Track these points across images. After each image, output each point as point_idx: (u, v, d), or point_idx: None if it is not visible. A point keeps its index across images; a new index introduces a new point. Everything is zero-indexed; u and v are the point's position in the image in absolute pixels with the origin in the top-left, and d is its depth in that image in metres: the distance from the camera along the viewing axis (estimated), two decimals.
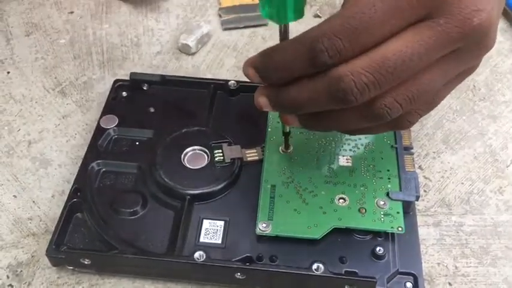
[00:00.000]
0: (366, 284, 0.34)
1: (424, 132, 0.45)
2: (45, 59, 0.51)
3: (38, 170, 0.43)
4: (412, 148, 0.40)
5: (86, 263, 0.35)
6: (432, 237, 0.39)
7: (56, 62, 0.50)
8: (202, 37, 0.51)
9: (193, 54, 0.51)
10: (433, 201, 0.41)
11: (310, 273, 0.34)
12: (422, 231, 0.38)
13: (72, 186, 0.38)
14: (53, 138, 0.45)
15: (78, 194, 0.38)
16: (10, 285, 0.36)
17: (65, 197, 0.38)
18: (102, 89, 0.48)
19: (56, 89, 0.48)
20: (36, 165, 0.43)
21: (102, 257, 0.35)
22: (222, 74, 0.49)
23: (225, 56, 0.51)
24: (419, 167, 0.42)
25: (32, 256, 0.38)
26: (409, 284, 0.35)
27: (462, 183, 0.42)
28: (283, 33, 0.32)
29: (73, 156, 0.43)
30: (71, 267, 0.36)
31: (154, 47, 0.52)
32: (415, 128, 0.44)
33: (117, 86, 0.45)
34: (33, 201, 0.41)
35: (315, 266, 0.34)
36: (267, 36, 0.53)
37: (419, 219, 0.39)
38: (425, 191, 0.41)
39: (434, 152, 0.44)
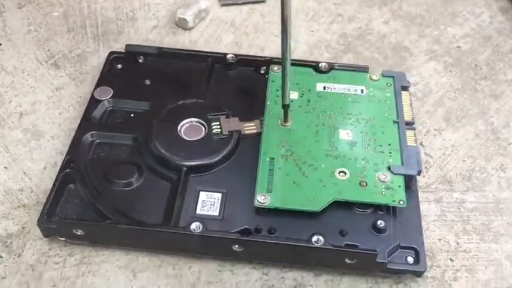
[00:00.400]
0: (366, 257, 0.33)
1: (424, 110, 0.44)
2: (38, 32, 0.49)
3: (29, 141, 0.41)
4: (413, 123, 0.39)
5: (78, 233, 0.34)
6: (433, 213, 0.38)
7: (49, 35, 0.49)
8: (199, 12, 0.50)
9: (190, 29, 0.50)
10: (434, 177, 0.40)
11: (309, 245, 0.33)
12: (423, 207, 0.37)
13: (65, 157, 0.37)
14: (46, 110, 0.43)
15: (71, 164, 0.37)
16: (0, 256, 0.35)
17: (57, 169, 0.37)
18: (97, 62, 0.47)
19: (48, 62, 0.47)
20: (27, 136, 0.42)
21: (95, 227, 0.34)
22: (219, 50, 0.48)
23: (223, 31, 0.50)
24: (421, 144, 0.42)
25: (23, 227, 0.37)
26: (410, 258, 0.34)
27: (464, 160, 0.41)
28: (284, 8, 0.31)
29: (66, 129, 0.42)
30: (63, 239, 0.35)
31: (150, 22, 0.51)
32: (415, 105, 0.44)
33: (112, 58, 0.44)
34: (24, 173, 0.39)
35: (314, 239, 0.33)
36: (266, 12, 0.52)
37: (420, 196, 0.38)
38: (426, 167, 0.40)
39: (435, 129, 0.43)
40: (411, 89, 0.43)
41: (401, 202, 0.35)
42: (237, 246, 0.33)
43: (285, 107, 0.38)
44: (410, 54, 0.48)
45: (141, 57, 0.44)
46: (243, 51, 0.48)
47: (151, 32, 0.50)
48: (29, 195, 0.38)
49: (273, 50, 0.49)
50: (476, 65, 0.48)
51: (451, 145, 0.42)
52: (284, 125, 0.39)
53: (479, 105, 0.45)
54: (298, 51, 0.49)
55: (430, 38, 0.50)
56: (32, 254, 0.35)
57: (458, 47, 0.49)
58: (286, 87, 0.36)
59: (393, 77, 0.42)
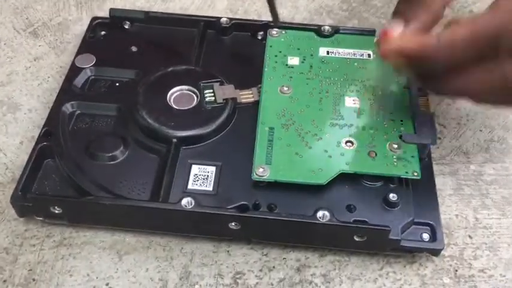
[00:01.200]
0: (378, 233, 0.29)
1: None
2: None
3: (5, 114, 0.38)
4: None
5: (56, 212, 0.31)
6: (449, 187, 0.35)
7: (27, 2, 0.45)
8: None
9: None
10: (449, 149, 0.37)
11: (314, 221, 0.29)
12: (438, 181, 0.34)
13: (42, 129, 0.34)
14: (23, 81, 0.40)
15: (49, 137, 0.33)
16: None
17: None
18: (79, 30, 0.43)
19: (27, 30, 0.43)
20: (3, 109, 0.38)
21: (75, 203, 0.30)
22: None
23: None
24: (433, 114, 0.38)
25: None
26: (426, 235, 0.30)
27: (480, 130, 0.38)
28: None
29: (45, 101, 0.38)
30: (40, 218, 0.32)
31: None
32: None
33: (96, 23, 0.40)
34: None
35: (319, 214, 0.30)
36: None
37: (434, 168, 0.34)
38: (440, 138, 0.37)
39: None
40: None
41: (415, 174, 0.31)
42: (233, 223, 0.30)
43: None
44: None
45: (127, 23, 0.40)
46: (236, 17, 0.44)
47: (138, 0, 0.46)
48: (4, 172, 0.35)
49: (270, 16, 0.45)
50: None
51: (466, 114, 0.38)
52: (284, 93, 0.35)
53: None
54: (297, 18, 0.45)
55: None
56: (6, 236, 0.32)
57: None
58: None
59: None
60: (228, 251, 0.32)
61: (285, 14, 0.45)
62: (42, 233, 0.32)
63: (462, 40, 0.26)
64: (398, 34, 0.29)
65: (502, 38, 0.26)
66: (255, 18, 0.45)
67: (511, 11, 0.26)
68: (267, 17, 0.45)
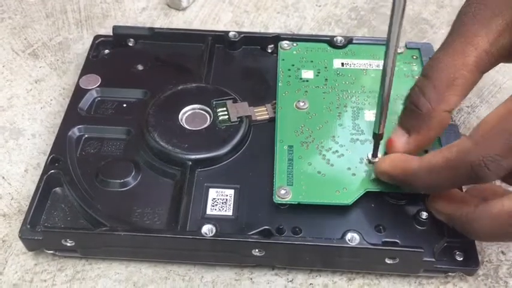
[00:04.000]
0: (410, 255, 0.28)
1: None
2: (13, 19, 0.44)
3: (7, 141, 0.36)
4: None
5: (68, 244, 0.29)
6: None
7: (25, 22, 0.44)
8: None
9: (184, 9, 0.45)
10: None
11: (343, 245, 0.28)
12: None
13: (49, 156, 0.32)
14: (25, 105, 0.38)
15: (56, 164, 0.32)
16: None
17: (41, 171, 0.32)
18: (81, 49, 0.41)
19: (26, 51, 0.41)
20: (5, 136, 0.36)
21: (87, 236, 0.29)
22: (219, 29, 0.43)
23: (221, 10, 0.45)
24: None
25: (3, 241, 0.31)
26: (459, 254, 0.29)
27: None
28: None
29: (49, 125, 0.37)
30: (51, 252, 0.30)
31: (139, 3, 0.45)
32: None
33: (99, 42, 0.39)
34: (3, 177, 0.34)
35: (348, 237, 0.28)
36: None
37: None
38: None
39: (468, 107, 0.38)
40: None
41: None
42: (257, 250, 0.28)
43: (376, 138, 0.30)
44: (431, 26, 0.44)
45: (131, 40, 0.39)
46: (244, 31, 0.43)
47: (140, 15, 0.45)
48: (9, 203, 0.33)
49: (277, 27, 0.44)
50: None
51: None
52: (301, 108, 0.34)
53: None
54: (306, 29, 0.44)
55: (451, 7, 0.45)
56: (15, 272, 0.30)
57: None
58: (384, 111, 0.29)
59: (419, 49, 0.37)
60: (251, 278, 0.30)
61: (292, 24, 0.44)
62: (53, 266, 0.30)
63: (439, 166, 0.26)
64: (401, 144, 0.30)
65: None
66: (262, 30, 0.44)
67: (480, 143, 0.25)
68: (274, 28, 0.44)
